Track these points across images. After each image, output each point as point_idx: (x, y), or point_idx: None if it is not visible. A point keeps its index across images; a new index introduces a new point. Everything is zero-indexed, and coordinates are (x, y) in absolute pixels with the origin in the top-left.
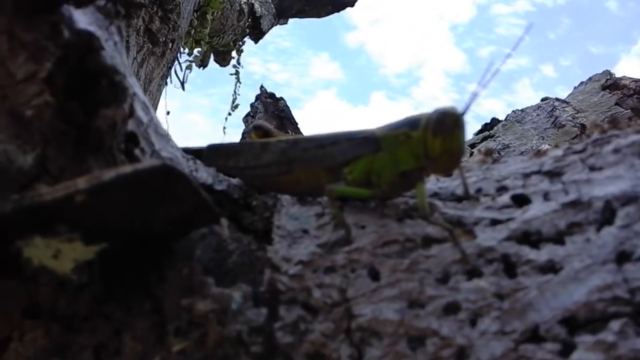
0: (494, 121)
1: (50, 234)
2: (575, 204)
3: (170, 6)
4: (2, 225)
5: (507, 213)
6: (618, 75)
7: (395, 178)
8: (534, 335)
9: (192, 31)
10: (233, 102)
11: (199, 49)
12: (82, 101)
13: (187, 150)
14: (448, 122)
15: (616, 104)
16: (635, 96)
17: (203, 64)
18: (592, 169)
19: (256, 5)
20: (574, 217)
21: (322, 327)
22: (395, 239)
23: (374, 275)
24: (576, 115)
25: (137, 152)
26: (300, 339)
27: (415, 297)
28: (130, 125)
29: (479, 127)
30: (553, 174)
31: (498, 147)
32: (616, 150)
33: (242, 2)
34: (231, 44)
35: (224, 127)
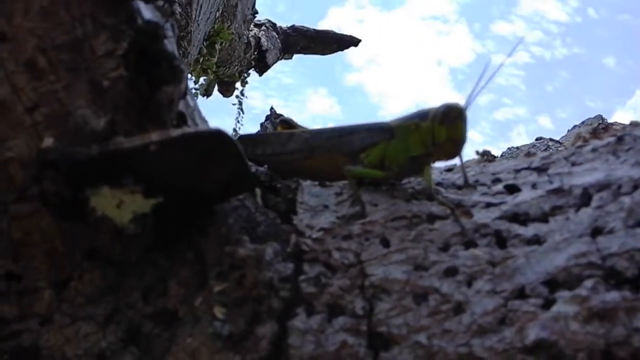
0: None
1: (117, 185)
2: (558, 191)
3: (182, 33)
4: (83, 170)
5: (500, 198)
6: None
7: (406, 162)
8: (521, 294)
9: (201, 59)
10: (235, 132)
11: (205, 78)
12: (147, 78)
13: None
14: (452, 113)
15: None
16: None
17: (207, 93)
18: (573, 164)
19: (263, 39)
20: (556, 201)
21: (339, 282)
22: (404, 215)
23: (385, 243)
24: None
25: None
26: (321, 290)
27: (420, 261)
28: (181, 106)
29: None
30: (540, 169)
31: None
32: (594, 150)
33: (249, 35)
34: (236, 75)
35: None
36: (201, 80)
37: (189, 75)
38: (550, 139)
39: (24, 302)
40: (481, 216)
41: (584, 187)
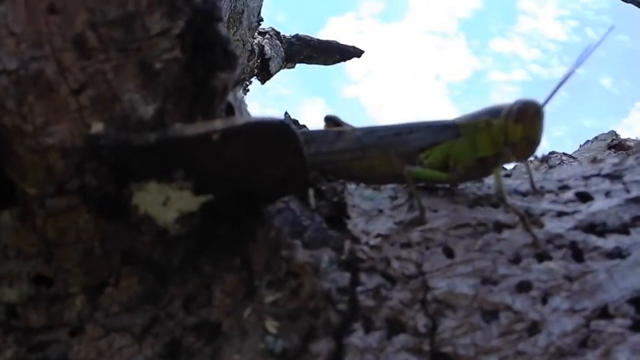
0: None
1: (166, 180)
2: (638, 200)
3: None
4: (132, 161)
5: (572, 207)
6: None
7: (473, 163)
8: (604, 313)
9: None
10: None
11: None
12: (202, 63)
13: None
14: (530, 110)
15: None
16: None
17: None
18: None
19: (267, 47)
20: (637, 211)
21: (400, 295)
22: (468, 223)
23: (448, 253)
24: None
25: None
26: (380, 304)
27: (488, 274)
28: (230, 97)
29: None
30: (613, 177)
31: None
32: None
33: (253, 43)
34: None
35: None
36: None
37: None
38: (564, 154)
39: (53, 309)
40: (553, 226)
41: None
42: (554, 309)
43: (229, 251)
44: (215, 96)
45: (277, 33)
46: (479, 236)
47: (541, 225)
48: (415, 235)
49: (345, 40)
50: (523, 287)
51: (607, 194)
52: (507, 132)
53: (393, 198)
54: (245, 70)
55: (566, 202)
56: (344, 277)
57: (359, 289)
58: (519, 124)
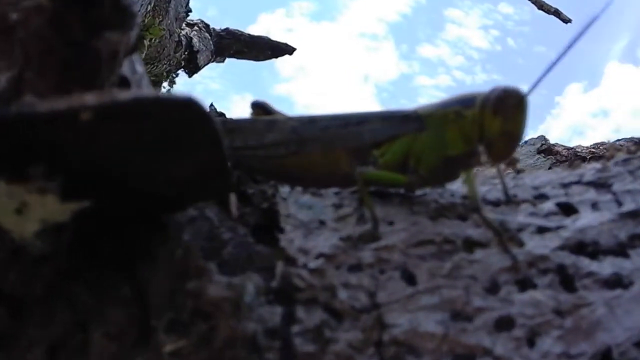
0: None
1: (19, 178)
2: (635, 215)
3: None
4: None
5: (556, 221)
6: None
7: (439, 163)
8: (606, 359)
9: None
10: None
11: None
12: (81, 17)
13: None
14: (511, 100)
15: (550, 168)
16: (566, 162)
17: None
18: None
19: (195, 39)
20: (635, 228)
21: (348, 336)
22: (431, 239)
23: (409, 278)
24: (515, 176)
25: None
26: (322, 349)
27: (460, 307)
28: (125, 69)
29: None
30: (598, 185)
31: None
32: None
33: (181, 34)
34: (164, 74)
35: None
36: None
37: None
38: None
39: None
40: (535, 244)
41: None
42: (544, 353)
43: (115, 277)
44: (99, 64)
45: (207, 26)
46: (446, 257)
47: (521, 244)
48: (367, 255)
49: (275, 37)
50: (504, 324)
51: (594, 205)
52: (482, 126)
53: (337, 206)
54: (171, 62)
55: (547, 215)
56: (275, 314)
57: (295, 329)
58: (498, 116)
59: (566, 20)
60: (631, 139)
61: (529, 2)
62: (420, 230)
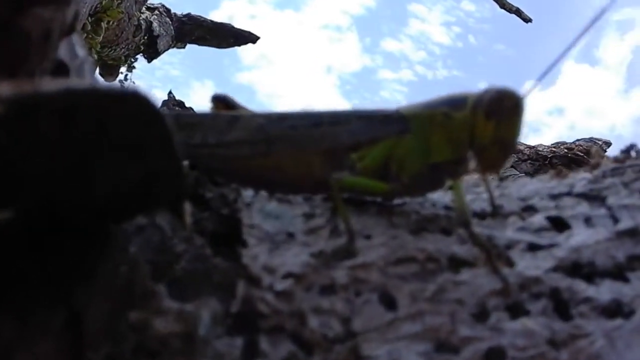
0: None
1: None
2: (633, 233)
3: None
4: None
5: (548, 237)
6: None
7: (423, 170)
8: None
9: (85, 36)
10: None
11: None
12: None
13: None
14: (507, 103)
15: (512, 166)
16: (528, 161)
17: None
18: None
19: (155, 24)
20: (634, 248)
21: None
22: (413, 257)
23: (388, 302)
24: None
25: None
26: None
27: (444, 336)
28: (63, 51)
29: None
30: (590, 198)
31: None
32: None
33: (140, 18)
34: (122, 58)
35: None
36: None
37: None
38: None
39: None
40: (527, 264)
41: None
42: None
43: (45, 301)
44: (29, 46)
45: (168, 10)
46: (430, 277)
47: (511, 264)
48: (341, 274)
49: (238, 23)
50: (494, 356)
51: (588, 220)
52: (473, 130)
53: (308, 216)
54: (130, 47)
55: (538, 231)
56: (234, 347)
57: None
58: (491, 120)
59: (527, 20)
60: (590, 139)
61: (491, 0)
62: (401, 246)
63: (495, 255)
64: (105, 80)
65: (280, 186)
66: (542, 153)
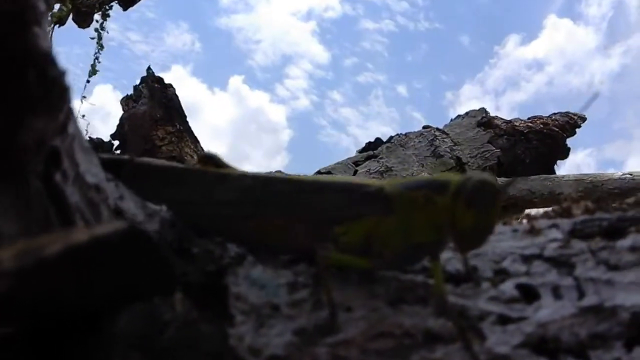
0: (378, 141)
1: None
2: (596, 310)
3: None
4: None
5: (517, 309)
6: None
7: (405, 249)
8: None
9: None
10: (93, 68)
11: (60, 5)
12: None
13: (104, 161)
14: (487, 193)
15: (489, 141)
16: (505, 137)
17: (61, 21)
18: (610, 267)
19: None
20: (595, 326)
21: None
22: (391, 332)
23: None
24: (454, 147)
25: (57, 177)
26: None
27: None
28: (56, 140)
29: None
30: (560, 263)
31: (381, 169)
32: (634, 249)
33: None
34: (96, 5)
35: (83, 96)
36: (56, 7)
37: None
38: (437, 129)
39: None
40: (496, 340)
41: (634, 312)
42: None
43: None
44: (22, 155)
45: None
46: (406, 353)
47: (483, 338)
48: (322, 351)
49: None
50: None
51: (556, 290)
52: (454, 216)
53: (292, 286)
54: None
55: (509, 302)
56: None
57: None
58: (471, 208)
59: None
60: (567, 113)
61: None
62: (380, 320)
63: (468, 331)
64: (79, 27)
65: (266, 248)
66: (519, 128)
